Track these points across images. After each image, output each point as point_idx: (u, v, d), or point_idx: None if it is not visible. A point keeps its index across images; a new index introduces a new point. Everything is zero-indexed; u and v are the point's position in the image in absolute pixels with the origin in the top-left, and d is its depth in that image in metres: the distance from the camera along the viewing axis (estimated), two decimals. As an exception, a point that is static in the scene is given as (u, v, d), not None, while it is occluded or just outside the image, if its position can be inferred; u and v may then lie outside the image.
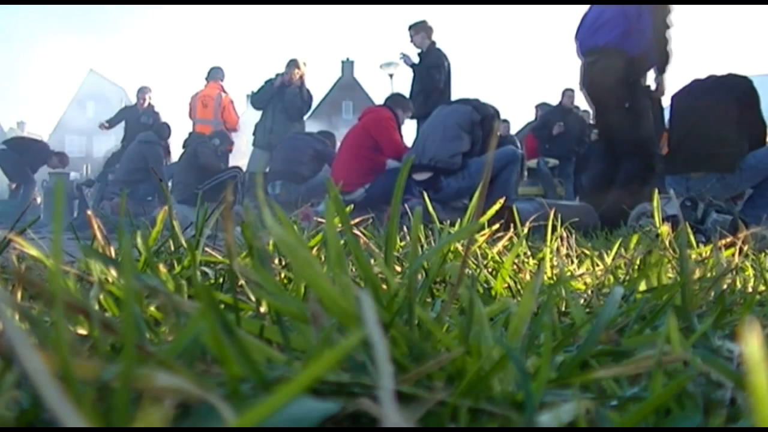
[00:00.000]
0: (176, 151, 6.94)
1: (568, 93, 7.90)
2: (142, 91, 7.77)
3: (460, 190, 3.98)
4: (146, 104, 7.70)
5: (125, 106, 8.23)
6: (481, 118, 4.07)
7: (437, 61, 5.62)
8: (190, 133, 6.54)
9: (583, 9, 4.12)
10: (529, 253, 1.00)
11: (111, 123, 7.90)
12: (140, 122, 7.40)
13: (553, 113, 7.81)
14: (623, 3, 3.86)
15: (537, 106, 8.48)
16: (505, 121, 8.20)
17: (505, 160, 3.97)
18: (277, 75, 6.45)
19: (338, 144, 6.04)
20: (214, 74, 7.03)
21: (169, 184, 6.05)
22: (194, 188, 5.32)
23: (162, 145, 6.66)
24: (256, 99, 6.53)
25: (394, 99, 4.99)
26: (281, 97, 6.34)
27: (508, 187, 3.92)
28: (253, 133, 6.66)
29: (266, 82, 6.49)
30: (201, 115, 6.89)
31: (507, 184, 3.94)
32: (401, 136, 4.75)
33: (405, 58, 5.80)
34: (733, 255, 0.96)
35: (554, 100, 8.08)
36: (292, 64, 6.41)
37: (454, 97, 5.58)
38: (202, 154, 5.77)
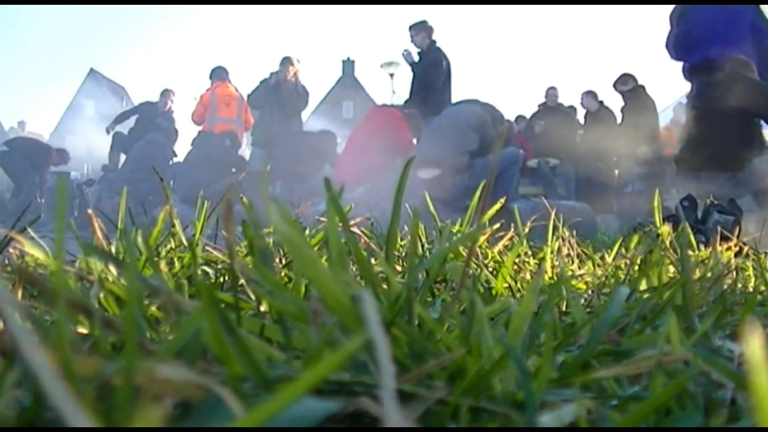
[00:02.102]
0: (179, 151, 6.95)
1: (551, 92, 7.90)
2: (166, 94, 7.63)
3: (465, 189, 3.99)
4: (167, 107, 7.63)
5: (145, 101, 8.09)
6: (492, 118, 4.10)
7: (435, 59, 5.64)
8: (200, 132, 6.47)
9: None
10: (529, 252, 1.00)
11: (121, 118, 7.78)
12: (155, 122, 7.33)
13: (537, 113, 7.84)
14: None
15: (539, 106, 8.48)
16: (508, 121, 8.18)
17: (508, 161, 4.00)
18: (272, 74, 6.44)
19: (339, 143, 6.06)
20: (221, 74, 6.94)
21: (171, 183, 6.05)
22: (201, 188, 5.28)
23: (170, 148, 6.66)
24: (253, 99, 6.52)
25: (408, 114, 5.07)
26: (277, 95, 6.33)
27: (510, 188, 3.95)
28: (252, 133, 6.65)
29: (261, 82, 6.48)
30: (225, 114, 6.71)
31: (509, 184, 3.97)
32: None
33: (407, 55, 5.82)
34: (736, 255, 0.96)
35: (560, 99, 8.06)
36: (286, 61, 6.41)
37: (454, 96, 5.62)
38: (226, 154, 5.76)
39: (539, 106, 8.28)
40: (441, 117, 4.34)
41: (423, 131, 4.82)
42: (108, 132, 7.85)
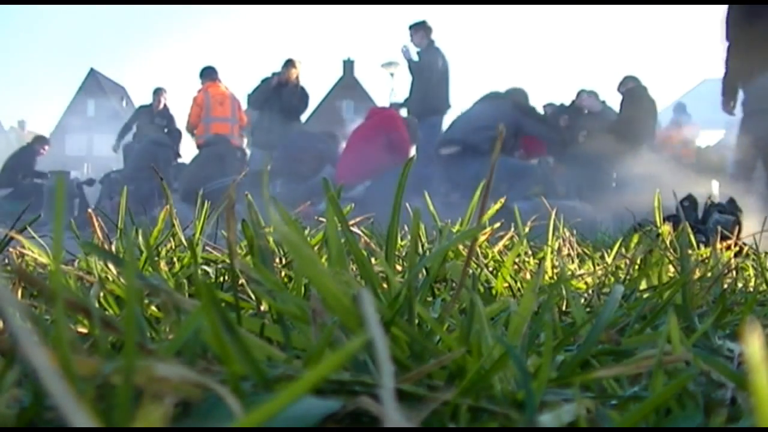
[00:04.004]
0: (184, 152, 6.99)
1: (582, 95, 7.84)
2: (158, 93, 7.68)
3: (479, 173, 4.10)
4: (161, 106, 7.66)
5: (139, 106, 8.14)
6: (522, 114, 4.29)
7: (430, 59, 5.69)
8: (215, 135, 6.49)
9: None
10: (529, 252, 1.00)
11: (124, 131, 7.83)
12: (154, 123, 7.37)
13: (562, 110, 7.76)
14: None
15: (545, 107, 8.43)
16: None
17: (526, 173, 4.16)
18: (273, 74, 6.46)
19: (340, 144, 6.10)
20: (211, 74, 6.95)
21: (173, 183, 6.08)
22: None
23: (173, 149, 6.69)
24: (254, 99, 6.54)
25: (408, 120, 5.23)
26: (278, 96, 6.35)
27: (518, 196, 4.09)
28: (251, 133, 6.68)
29: (262, 81, 6.50)
30: (219, 113, 6.73)
31: (518, 193, 4.13)
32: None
33: (405, 51, 5.85)
34: (736, 255, 0.96)
35: (561, 100, 8.01)
36: (289, 63, 6.43)
37: (454, 95, 5.69)
38: (233, 160, 5.82)
39: (545, 107, 8.20)
40: (470, 109, 4.52)
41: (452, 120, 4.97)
42: (115, 151, 7.94)
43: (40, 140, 8.36)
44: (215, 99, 6.74)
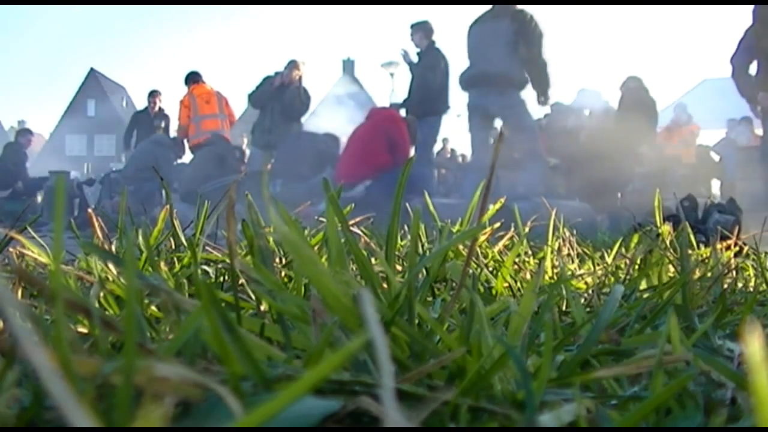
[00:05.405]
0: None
1: (584, 94, 7.82)
2: (153, 95, 7.77)
3: (508, 106, 4.48)
4: (156, 108, 7.73)
5: (135, 112, 8.21)
6: (520, 26, 4.58)
7: (433, 61, 5.68)
8: (214, 134, 6.53)
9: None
10: (529, 252, 1.00)
11: (128, 139, 7.87)
12: (153, 125, 7.46)
13: (565, 110, 7.75)
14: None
15: (552, 106, 8.40)
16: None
17: (540, 168, 4.33)
18: (276, 73, 6.46)
19: (340, 144, 6.13)
20: (194, 77, 7.02)
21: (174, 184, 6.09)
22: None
23: (173, 149, 6.74)
24: (256, 98, 6.54)
25: (408, 120, 5.32)
26: (280, 97, 6.35)
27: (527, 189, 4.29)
28: (252, 132, 6.69)
29: (264, 79, 6.50)
30: (207, 111, 6.82)
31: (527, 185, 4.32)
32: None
33: (404, 54, 5.85)
34: (736, 255, 0.96)
35: (562, 99, 8.00)
36: (292, 64, 6.43)
37: (454, 95, 5.71)
38: (232, 160, 5.87)
39: (552, 106, 8.17)
40: (476, 40, 4.84)
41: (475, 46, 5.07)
42: (126, 159, 8.01)
43: (22, 133, 8.43)
44: (201, 98, 6.83)
